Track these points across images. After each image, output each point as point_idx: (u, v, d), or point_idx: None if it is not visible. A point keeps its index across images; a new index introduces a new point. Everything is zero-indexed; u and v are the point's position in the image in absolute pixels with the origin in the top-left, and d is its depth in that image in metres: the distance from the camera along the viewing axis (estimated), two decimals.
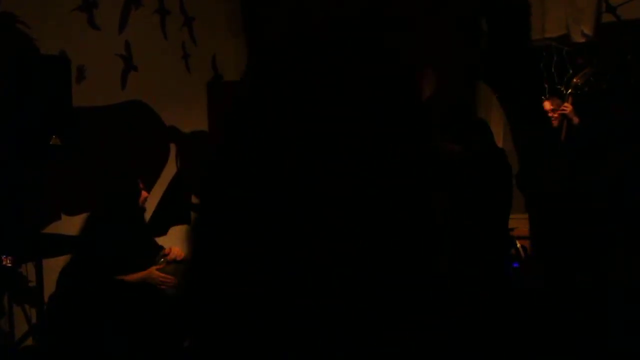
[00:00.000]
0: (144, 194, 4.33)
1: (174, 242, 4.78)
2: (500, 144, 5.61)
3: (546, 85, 6.57)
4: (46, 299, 4.26)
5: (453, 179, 0.88)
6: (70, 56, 4.61)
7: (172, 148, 5.82)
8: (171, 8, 5.78)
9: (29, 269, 4.34)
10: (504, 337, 0.86)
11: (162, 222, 5.56)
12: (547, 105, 5.31)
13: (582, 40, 4.94)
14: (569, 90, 5.02)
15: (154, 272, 4.09)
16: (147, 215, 4.97)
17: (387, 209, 0.78)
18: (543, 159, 5.15)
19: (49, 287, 4.18)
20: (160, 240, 4.68)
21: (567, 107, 4.97)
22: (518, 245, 5.49)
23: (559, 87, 6.41)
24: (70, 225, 4.66)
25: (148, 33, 5.56)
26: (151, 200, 5.25)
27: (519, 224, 5.41)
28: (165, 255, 4.25)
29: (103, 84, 5.12)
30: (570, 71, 6.00)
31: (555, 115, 5.19)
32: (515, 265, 5.32)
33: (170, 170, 5.75)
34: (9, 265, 3.92)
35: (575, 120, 4.92)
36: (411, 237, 0.80)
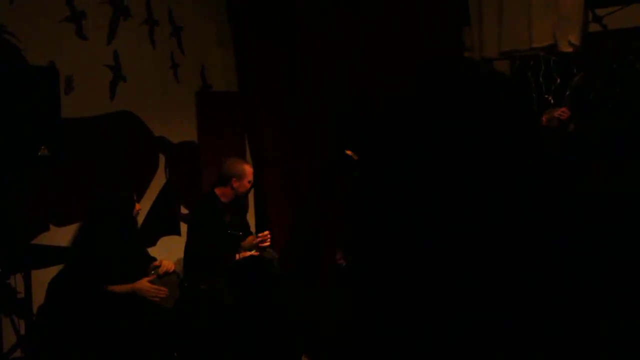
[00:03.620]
0: (137, 206, 4.32)
1: (164, 254, 4.78)
2: None
3: (534, 95, 6.61)
4: (35, 310, 4.24)
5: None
6: (59, 67, 4.60)
7: (161, 158, 5.81)
8: (160, 18, 5.79)
9: (17, 280, 4.31)
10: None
11: (152, 232, 5.54)
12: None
13: (570, 49, 4.93)
14: (567, 93, 4.89)
15: (144, 283, 4.06)
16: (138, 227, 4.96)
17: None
18: None
19: (38, 298, 4.16)
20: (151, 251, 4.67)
21: (565, 113, 4.78)
22: None
23: (546, 96, 6.44)
24: (59, 236, 4.65)
25: (137, 43, 5.56)
26: (141, 211, 5.24)
27: None
28: (157, 267, 4.23)
29: (92, 94, 5.12)
30: (558, 80, 6.02)
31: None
32: None
33: (159, 180, 5.74)
34: None
35: (571, 126, 4.75)
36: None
